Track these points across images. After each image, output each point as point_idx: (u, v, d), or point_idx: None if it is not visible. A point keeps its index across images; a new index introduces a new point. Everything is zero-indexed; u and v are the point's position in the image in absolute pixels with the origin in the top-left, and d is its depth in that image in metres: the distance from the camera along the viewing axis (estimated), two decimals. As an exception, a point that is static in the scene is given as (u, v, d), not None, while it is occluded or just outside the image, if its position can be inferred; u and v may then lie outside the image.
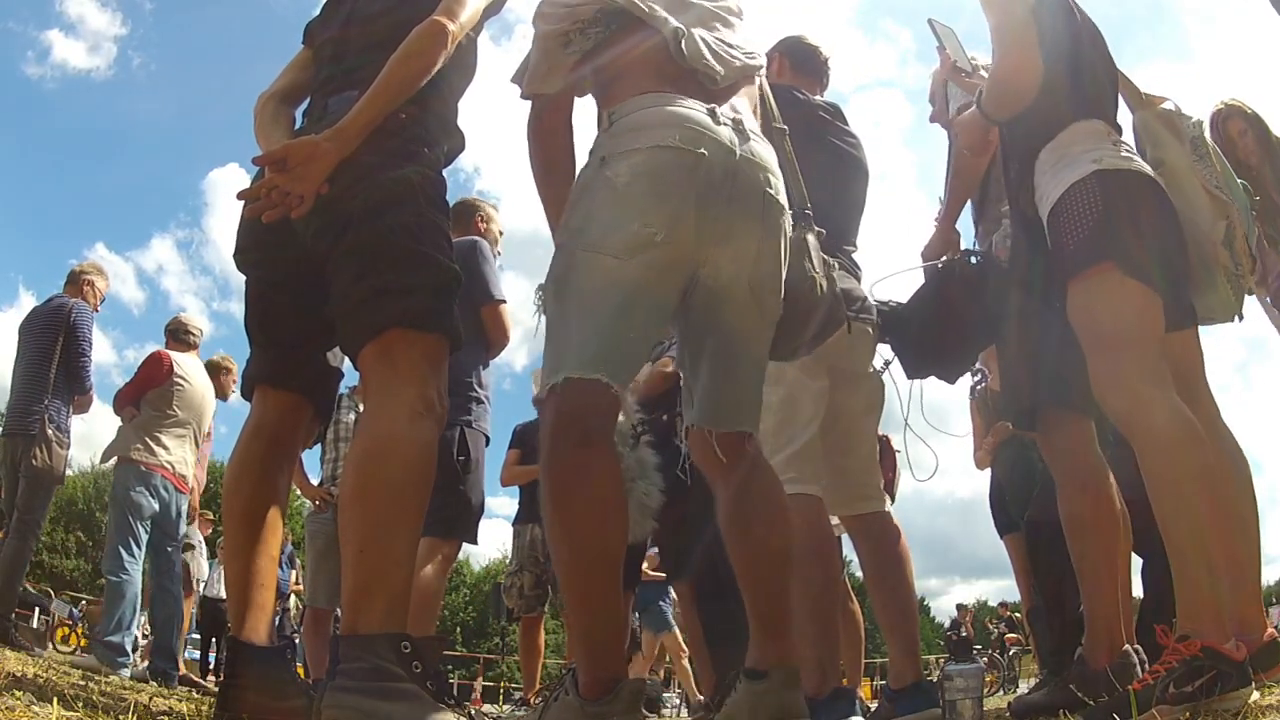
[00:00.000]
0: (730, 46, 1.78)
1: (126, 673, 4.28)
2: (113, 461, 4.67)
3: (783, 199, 1.69)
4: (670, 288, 1.60)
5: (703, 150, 1.56)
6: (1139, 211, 1.85)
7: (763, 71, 1.92)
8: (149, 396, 4.66)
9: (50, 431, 4.51)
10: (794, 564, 1.66)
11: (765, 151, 1.69)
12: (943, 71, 2.56)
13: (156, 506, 4.53)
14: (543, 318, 1.67)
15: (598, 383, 1.47)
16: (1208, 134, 2.12)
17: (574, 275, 1.56)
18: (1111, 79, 2.14)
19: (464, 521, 3.12)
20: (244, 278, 1.86)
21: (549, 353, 1.57)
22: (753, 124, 1.73)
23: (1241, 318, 2.11)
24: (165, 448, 4.58)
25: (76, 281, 4.87)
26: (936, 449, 2.64)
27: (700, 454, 1.72)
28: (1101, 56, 2.15)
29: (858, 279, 2.62)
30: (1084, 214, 1.83)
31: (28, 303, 49.56)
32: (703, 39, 1.72)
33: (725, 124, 1.62)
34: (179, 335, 4.91)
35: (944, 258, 2.52)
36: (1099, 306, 1.82)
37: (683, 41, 1.68)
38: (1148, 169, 1.94)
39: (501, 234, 3.48)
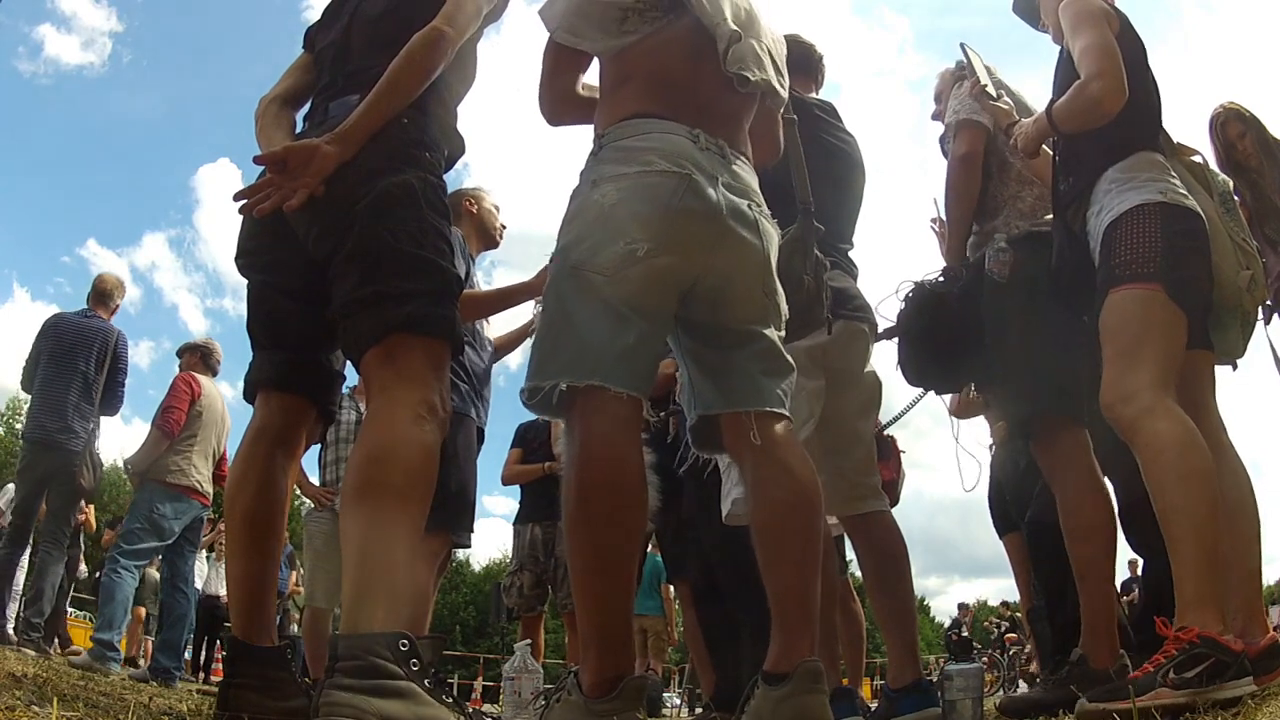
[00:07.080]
0: (773, 60, 1.82)
1: (117, 668, 4.45)
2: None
3: (766, 216, 1.74)
4: (663, 298, 1.64)
5: (687, 171, 1.62)
6: (1190, 245, 1.98)
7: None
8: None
9: (94, 453, 4.84)
10: (822, 554, 1.63)
11: (746, 174, 1.74)
12: (971, 94, 2.60)
13: (177, 529, 4.74)
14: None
15: (605, 390, 1.52)
16: (1207, 137, 2.17)
17: (564, 289, 1.62)
18: (1161, 110, 2.21)
19: (446, 512, 2.88)
20: (244, 279, 1.86)
21: (541, 352, 1.62)
22: (742, 146, 1.77)
23: (1236, 367, 2.25)
24: (195, 466, 4.78)
25: (108, 303, 5.11)
26: (935, 448, 2.67)
27: (733, 438, 1.72)
28: (1157, 87, 2.22)
29: (854, 278, 2.63)
30: (1143, 236, 1.96)
31: (22, 299, 49.38)
32: (753, 47, 1.75)
33: (709, 148, 1.68)
34: (208, 361, 5.14)
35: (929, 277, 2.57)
36: (1136, 317, 1.93)
37: (733, 46, 1.71)
38: (1199, 208, 2.04)
39: (498, 208, 3.47)
